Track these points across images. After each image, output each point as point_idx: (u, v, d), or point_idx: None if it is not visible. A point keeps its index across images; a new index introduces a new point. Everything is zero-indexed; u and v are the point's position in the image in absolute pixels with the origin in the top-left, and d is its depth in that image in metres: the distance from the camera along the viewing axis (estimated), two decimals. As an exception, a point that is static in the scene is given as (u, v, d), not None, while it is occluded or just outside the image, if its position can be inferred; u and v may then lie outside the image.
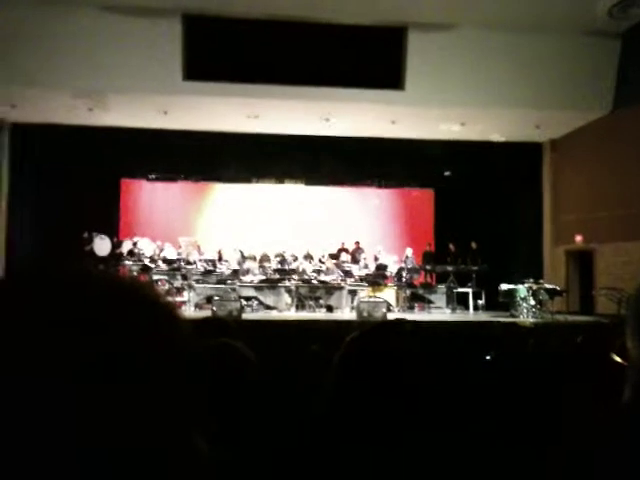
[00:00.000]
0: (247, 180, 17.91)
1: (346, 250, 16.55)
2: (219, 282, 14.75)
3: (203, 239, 16.89)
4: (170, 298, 13.30)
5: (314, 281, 15.04)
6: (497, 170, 16.44)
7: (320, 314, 14.11)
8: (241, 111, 14.07)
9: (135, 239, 16.04)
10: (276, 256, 15.89)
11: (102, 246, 15.43)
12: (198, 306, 14.39)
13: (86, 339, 0.52)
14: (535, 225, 16.75)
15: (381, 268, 15.46)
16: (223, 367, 1.52)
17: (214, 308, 12.45)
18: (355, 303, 13.92)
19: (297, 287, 14.88)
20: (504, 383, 2.36)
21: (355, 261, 16.04)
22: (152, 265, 15.29)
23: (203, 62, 12.87)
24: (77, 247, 14.89)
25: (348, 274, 15.27)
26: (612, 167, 14.07)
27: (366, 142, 15.91)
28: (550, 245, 16.42)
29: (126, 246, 15.82)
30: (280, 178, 18.05)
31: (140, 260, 15.45)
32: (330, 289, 14.91)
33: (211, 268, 15.19)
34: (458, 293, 15.60)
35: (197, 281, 14.84)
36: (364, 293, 14.76)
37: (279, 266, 15.37)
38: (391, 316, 13.01)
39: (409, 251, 16.22)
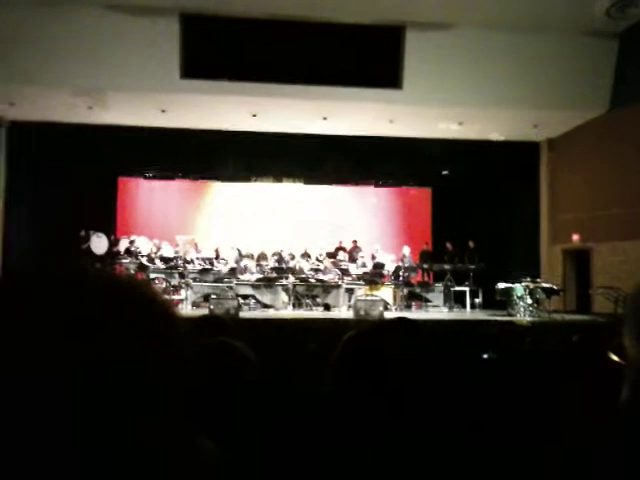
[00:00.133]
0: (245, 179, 17.90)
1: (344, 249, 16.55)
2: (216, 280, 14.75)
3: (201, 237, 16.88)
4: (167, 296, 13.29)
5: (311, 280, 15.04)
6: (494, 169, 16.46)
7: (317, 313, 14.11)
8: (239, 109, 14.06)
9: (132, 237, 16.04)
10: (273, 254, 15.89)
11: (99, 244, 15.42)
12: (195, 304, 14.39)
13: (83, 338, 0.52)
14: (532, 224, 16.77)
15: (378, 267, 15.47)
16: (222, 366, 1.52)
17: (211, 306, 12.45)
18: (352, 302, 13.92)
19: (294, 285, 14.88)
20: (501, 382, 2.36)
21: (352, 260, 16.04)
22: (149, 263, 15.28)
23: (201, 60, 12.86)
24: (74, 245, 14.88)
25: (345, 273, 15.28)
26: (609, 166, 14.10)
27: (364, 141, 15.91)
28: (547, 244, 16.44)
29: (123, 244, 15.82)
30: (278, 177, 18.06)
31: (137, 258, 15.44)
32: (327, 288, 14.91)
33: (208, 266, 15.19)
34: (455, 292, 15.63)
35: (194, 279, 14.83)
36: (361, 292, 14.76)
37: (276, 264, 15.36)
38: (388, 315, 13.03)
39: (406, 250, 16.23)
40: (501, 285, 14.21)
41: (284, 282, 14.88)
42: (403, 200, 18.64)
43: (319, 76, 13.06)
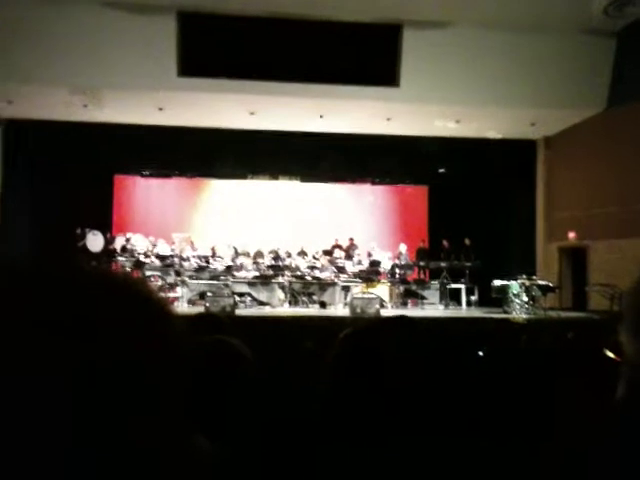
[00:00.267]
0: (242, 176, 17.90)
1: (340, 246, 16.55)
2: (212, 278, 14.74)
3: (197, 235, 16.87)
4: (163, 294, 13.28)
5: (308, 277, 15.04)
6: (491, 167, 16.47)
7: (313, 310, 14.11)
8: (237, 107, 14.05)
9: (128, 235, 16.01)
10: (270, 252, 15.89)
11: (95, 242, 15.39)
12: (191, 302, 14.37)
13: (78, 337, 0.52)
14: (528, 222, 16.80)
15: (375, 264, 15.48)
16: (218, 364, 1.52)
17: (207, 304, 12.44)
18: (348, 299, 13.92)
19: (290, 283, 14.89)
20: (497, 379, 2.37)
21: (349, 257, 16.05)
22: (145, 261, 15.26)
23: (198, 58, 12.85)
24: (70, 243, 14.86)
25: (342, 270, 15.29)
26: (606, 164, 14.13)
27: (361, 139, 15.90)
28: (543, 242, 16.48)
29: (119, 242, 15.79)
30: (275, 174, 18.06)
31: (133, 256, 15.42)
32: (323, 285, 14.92)
33: (204, 264, 15.18)
34: (451, 289, 15.65)
35: (190, 277, 14.82)
36: (357, 289, 14.77)
37: (273, 262, 15.36)
38: (385, 312, 13.04)
39: (403, 247, 16.24)
40: (497, 282, 14.24)
41: (280, 280, 14.88)
42: (400, 198, 18.65)
43: (316, 74, 13.05)
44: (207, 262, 15.28)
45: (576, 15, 12.55)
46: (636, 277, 0.98)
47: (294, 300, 14.80)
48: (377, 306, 12.78)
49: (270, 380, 2.32)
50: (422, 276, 16.48)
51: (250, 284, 14.67)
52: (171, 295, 14.36)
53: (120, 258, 15.37)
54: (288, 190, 18.16)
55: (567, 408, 1.75)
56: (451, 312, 14.54)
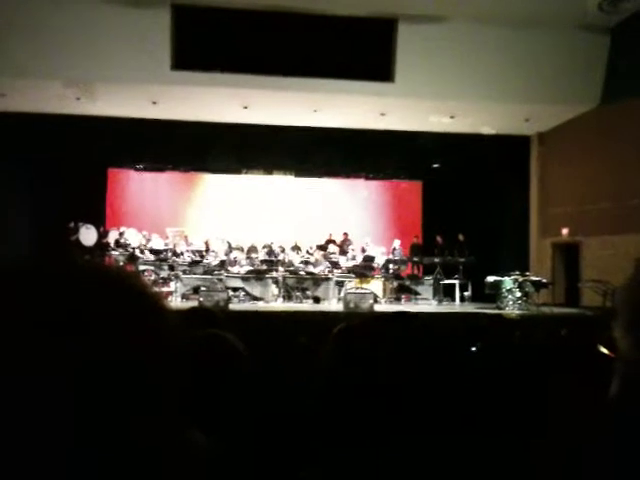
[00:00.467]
0: (236, 171, 17.87)
1: (334, 241, 16.56)
2: (206, 273, 14.73)
3: (191, 230, 16.85)
4: (156, 289, 13.27)
5: (301, 272, 15.05)
6: (485, 163, 16.49)
7: (307, 305, 14.12)
8: (230, 101, 14.01)
9: (122, 229, 15.97)
10: (264, 247, 15.88)
11: (88, 236, 15.35)
12: (185, 297, 14.36)
13: (72, 333, 0.51)
14: (522, 218, 16.84)
15: (368, 259, 15.49)
16: (212, 358, 1.51)
17: (201, 299, 12.43)
18: (342, 294, 13.94)
19: (284, 278, 14.89)
20: (490, 375, 2.37)
21: (343, 252, 16.05)
22: (139, 255, 15.23)
23: (192, 52, 12.80)
24: (63, 236, 14.81)
25: (335, 265, 15.29)
26: (599, 160, 14.16)
27: (355, 134, 15.88)
28: (537, 237, 16.52)
29: (112, 236, 15.75)
30: (269, 169, 18.04)
31: (126, 250, 15.38)
32: (317, 280, 14.93)
33: (198, 259, 15.16)
34: (445, 285, 15.69)
35: (184, 272, 14.80)
36: (351, 284, 14.79)
37: (266, 257, 15.35)
38: (378, 307, 13.07)
39: (397, 243, 16.27)
40: (490, 278, 14.27)
41: (274, 275, 14.88)
42: (394, 193, 18.67)
43: (311, 68, 13.03)
44: (201, 257, 15.26)
45: (571, 11, 12.56)
46: (629, 273, 0.98)
47: (288, 295, 14.80)
48: (371, 301, 12.79)
49: (264, 375, 2.31)
50: (416, 271, 16.50)
51: (244, 279, 14.66)
52: (165, 289, 14.34)
53: (113, 252, 15.34)
54: (282, 185, 18.15)
55: (561, 404, 1.76)
56: (444, 307, 14.56)
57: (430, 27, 13.06)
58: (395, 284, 15.69)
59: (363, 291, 13.62)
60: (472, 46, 13.13)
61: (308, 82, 13.12)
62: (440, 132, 15.74)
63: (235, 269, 14.92)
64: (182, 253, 15.42)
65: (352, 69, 13.16)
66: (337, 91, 13.31)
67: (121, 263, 14.54)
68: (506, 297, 13.76)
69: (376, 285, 15.05)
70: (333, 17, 12.90)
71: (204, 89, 13.25)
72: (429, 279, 15.67)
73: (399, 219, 18.30)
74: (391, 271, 15.61)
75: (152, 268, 14.92)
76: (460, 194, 16.72)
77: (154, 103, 14.06)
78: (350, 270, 15.27)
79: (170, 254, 15.34)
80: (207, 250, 15.62)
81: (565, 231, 15.42)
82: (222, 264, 15.00)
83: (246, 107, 14.34)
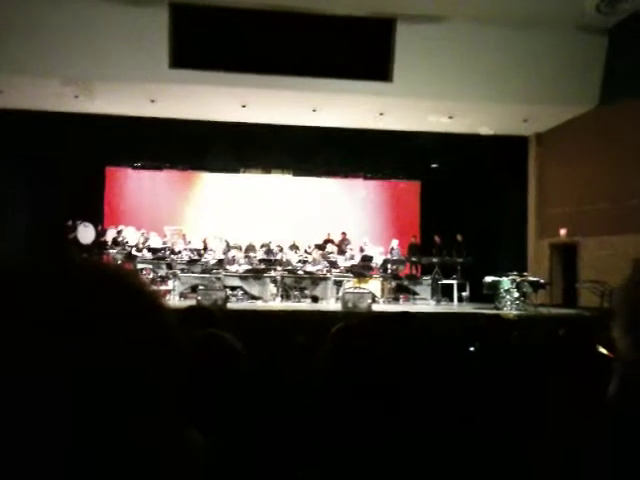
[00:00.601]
0: (234, 170, 17.86)
1: (332, 241, 16.56)
2: (204, 271, 14.72)
3: (189, 228, 16.84)
4: (155, 287, 13.26)
5: (300, 271, 15.04)
6: (483, 163, 16.50)
7: (305, 305, 14.12)
8: (229, 100, 14.01)
9: (120, 227, 15.96)
10: (262, 246, 15.88)
11: (86, 234, 15.34)
12: (183, 295, 14.35)
13: (70, 332, 0.51)
14: (520, 218, 16.86)
15: (367, 259, 15.50)
16: (210, 357, 1.51)
17: (199, 297, 12.43)
18: (340, 294, 13.94)
19: (282, 277, 14.88)
20: (488, 375, 2.37)
21: (341, 252, 16.05)
22: (137, 254, 15.22)
23: (190, 50, 12.79)
24: (61, 235, 14.79)
25: (334, 265, 15.29)
26: (597, 161, 14.18)
27: (354, 133, 15.89)
28: (535, 238, 16.54)
29: (110, 234, 15.74)
30: (267, 168, 18.03)
31: (124, 249, 15.37)
32: (315, 280, 14.92)
33: (196, 257, 15.15)
34: (443, 285, 15.69)
35: (182, 270, 14.79)
36: (349, 284, 14.79)
37: (265, 256, 15.35)
38: (376, 307, 13.07)
39: (395, 243, 16.27)
40: (488, 279, 14.27)
41: (272, 274, 14.87)
42: (392, 193, 18.67)
43: (309, 68, 13.02)
44: (199, 255, 15.25)
45: (569, 12, 12.58)
46: (627, 274, 0.98)
47: (286, 294, 14.80)
48: (369, 301, 12.79)
49: (262, 374, 2.31)
50: (414, 271, 16.50)
51: (242, 278, 14.65)
52: (163, 288, 14.34)
53: (111, 250, 15.32)
54: (280, 184, 18.14)
55: (559, 405, 1.76)
56: (443, 308, 14.57)
57: (429, 27, 13.07)
58: (393, 284, 15.69)
59: (361, 291, 13.62)
60: (471, 46, 13.14)
61: (306, 81, 13.12)
62: (439, 132, 15.75)
63: (233, 268, 14.91)
64: (180, 252, 15.42)
65: (351, 69, 13.16)
66: (336, 91, 13.31)
67: (119, 261, 14.53)
68: (504, 297, 13.76)
69: (374, 285, 15.05)
70: (332, 17, 12.89)
71: (202, 87, 13.24)
72: (427, 279, 15.67)
73: (397, 219, 18.31)
74: (389, 271, 15.62)
75: (150, 266, 14.91)
76: (458, 194, 16.73)
77: (152, 101, 14.05)
78: (348, 270, 15.27)
79: (168, 253, 15.33)
80: (205, 249, 15.62)
81: (563, 231, 15.44)
82: (220, 263, 14.99)
83: (244, 106, 14.34)
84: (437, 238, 16.31)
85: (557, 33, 13.20)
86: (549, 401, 1.81)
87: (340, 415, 1.28)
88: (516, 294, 13.68)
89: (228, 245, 15.82)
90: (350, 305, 12.57)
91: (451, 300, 15.65)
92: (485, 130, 15.59)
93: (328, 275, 14.97)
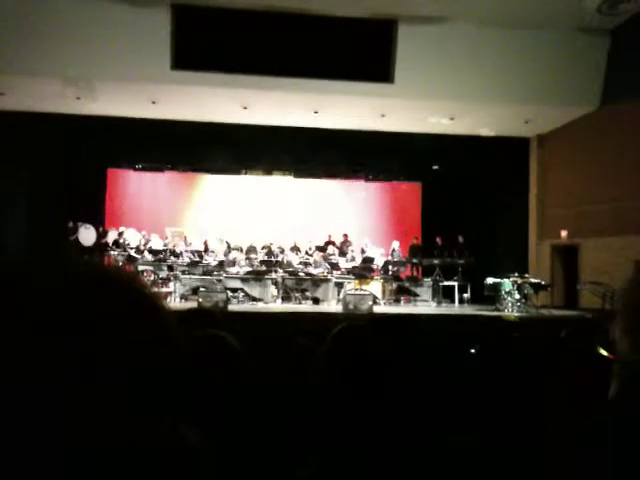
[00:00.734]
0: (235, 171, 17.87)
1: (333, 243, 16.56)
2: (205, 273, 14.72)
3: (190, 230, 16.84)
4: (155, 289, 13.26)
5: (300, 273, 15.04)
6: (484, 164, 16.50)
7: (306, 306, 14.11)
8: (230, 102, 14.02)
9: (121, 229, 15.97)
10: (263, 248, 15.87)
11: (87, 236, 15.35)
12: (184, 297, 14.35)
13: (71, 334, 0.51)
14: (521, 219, 16.84)
15: (368, 261, 15.49)
16: (210, 359, 1.51)
17: (200, 299, 12.42)
18: (341, 295, 13.93)
19: (283, 279, 14.88)
20: (489, 377, 2.37)
21: (342, 253, 16.04)
22: (138, 255, 15.23)
23: (192, 52, 12.80)
24: (62, 236, 14.81)
25: (335, 267, 15.28)
26: (598, 162, 14.17)
27: (355, 135, 15.90)
28: (536, 239, 16.53)
29: (112, 236, 15.74)
30: (268, 170, 18.03)
31: (126, 250, 15.38)
32: (316, 281, 14.91)
33: (197, 259, 15.15)
34: (444, 286, 15.67)
35: (183, 272, 14.79)
36: (350, 286, 14.78)
37: (266, 258, 15.35)
38: (377, 309, 13.06)
39: (396, 244, 16.26)
40: (489, 280, 14.27)
41: (273, 275, 14.87)
42: (393, 194, 18.66)
43: (311, 69, 13.03)
44: (200, 257, 15.25)
45: (570, 13, 12.57)
46: (628, 275, 0.98)
47: (287, 296, 14.80)
48: (370, 302, 12.79)
49: (262, 376, 2.31)
50: (415, 273, 16.50)
51: (243, 280, 14.65)
52: (164, 290, 14.34)
53: (112, 252, 15.33)
54: (281, 185, 18.14)
55: (559, 406, 1.76)
56: (444, 309, 14.56)
57: (430, 28, 13.07)
58: (394, 285, 15.68)
59: (362, 292, 13.61)
60: (472, 47, 13.14)
61: (308, 83, 13.12)
62: (440, 133, 15.75)
63: (234, 270, 14.91)
64: (181, 253, 15.42)
65: (352, 70, 13.17)
66: (337, 92, 13.31)
67: (120, 263, 14.54)
68: (505, 299, 13.75)
69: (375, 286, 15.04)
70: (333, 18, 12.90)
71: (204, 89, 13.25)
72: (428, 281, 15.66)
73: (398, 220, 18.30)
74: (390, 272, 15.61)
75: (151, 268, 14.92)
76: (459, 196, 16.73)
77: (154, 103, 14.06)
78: (349, 271, 15.26)
79: (169, 254, 15.34)
80: (206, 250, 15.62)
81: (564, 233, 15.43)
82: (221, 265, 14.99)
83: (246, 107, 14.34)
84: (438, 239, 16.30)
85: (559, 34, 13.20)
86: (549, 403, 1.81)
87: (339, 415, 1.28)
88: (517, 295, 13.67)
89: (229, 247, 15.82)
90: (351, 307, 12.57)
91: (452, 302, 15.63)
92: (486, 131, 15.59)
93: (329, 277, 14.96)
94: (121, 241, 15.64)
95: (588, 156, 14.54)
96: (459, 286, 15.66)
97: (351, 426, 1.25)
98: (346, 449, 1.20)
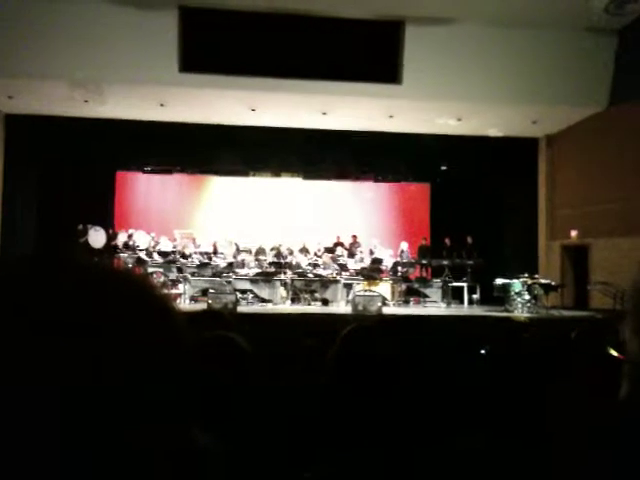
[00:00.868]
0: (244, 173, 17.89)
1: (342, 244, 16.56)
2: (214, 275, 14.74)
3: (199, 232, 16.88)
4: (165, 290, 13.29)
5: (309, 275, 15.04)
6: (493, 165, 16.46)
7: (315, 308, 14.11)
8: (238, 104, 14.04)
9: (130, 231, 16.03)
10: (272, 249, 15.89)
11: (97, 238, 15.42)
12: (193, 299, 14.39)
13: (79, 334, 0.51)
14: (531, 220, 16.78)
15: (376, 262, 15.47)
16: (220, 360, 1.52)
17: (209, 301, 12.44)
18: (350, 297, 13.92)
19: (292, 280, 14.88)
20: (498, 378, 2.37)
21: (351, 255, 16.04)
22: (147, 258, 15.28)
23: (200, 54, 12.83)
24: (72, 239, 14.88)
25: (344, 268, 15.28)
26: (607, 162, 14.10)
27: (363, 136, 15.89)
28: (545, 240, 16.46)
29: (121, 238, 15.81)
30: (277, 171, 18.05)
31: (135, 252, 15.43)
32: (325, 283, 14.91)
33: (206, 261, 15.18)
34: (453, 287, 15.62)
35: (192, 274, 14.83)
36: (359, 287, 14.76)
37: (274, 259, 15.36)
38: (386, 310, 13.04)
39: (404, 245, 16.23)
40: (499, 281, 14.21)
41: (282, 277, 14.88)
42: (402, 195, 18.64)
43: (319, 71, 13.04)
44: (209, 259, 15.29)
45: (577, 13, 12.52)
46: (638, 275, 0.98)
47: (296, 297, 14.80)
48: (379, 304, 12.77)
49: (271, 376, 2.31)
50: (424, 274, 16.46)
51: (252, 281, 14.67)
52: (173, 292, 14.38)
53: (122, 254, 15.39)
54: (290, 187, 18.15)
55: (569, 407, 1.75)
56: (453, 310, 14.52)
57: (438, 29, 13.05)
58: (403, 287, 15.65)
59: (371, 294, 13.60)
60: (479, 48, 13.11)
61: (316, 84, 13.13)
62: (448, 134, 15.72)
63: (243, 271, 14.93)
64: (190, 255, 15.46)
65: (360, 71, 13.17)
66: (345, 93, 13.31)
67: (130, 265, 14.59)
68: (515, 300, 13.69)
69: (384, 288, 15.02)
70: (340, 19, 12.90)
71: (212, 91, 13.28)
72: (437, 282, 15.63)
73: (407, 221, 18.28)
74: (399, 273, 15.58)
75: (161, 270, 14.96)
76: (468, 196, 16.69)
77: (162, 105, 14.10)
78: (358, 272, 15.25)
79: (178, 256, 15.38)
80: (215, 252, 15.66)
81: (574, 233, 15.36)
82: (230, 266, 15.02)
83: (254, 109, 14.37)
84: (447, 240, 16.26)
85: (566, 34, 13.15)
86: (559, 404, 1.80)
87: (348, 416, 1.28)
88: (527, 296, 13.60)
89: (238, 248, 15.85)
90: (360, 308, 12.56)
91: (461, 303, 15.59)
92: (494, 132, 15.55)
93: (338, 278, 14.95)
94: (131, 243, 15.70)
95: (597, 156, 14.47)
96: (468, 287, 15.62)
97: (360, 427, 1.25)
98: (355, 450, 1.20)
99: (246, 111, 14.46)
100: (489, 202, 16.86)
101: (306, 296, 14.80)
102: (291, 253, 15.79)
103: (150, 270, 14.76)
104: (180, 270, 15.01)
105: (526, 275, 13.93)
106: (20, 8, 11.91)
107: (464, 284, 15.62)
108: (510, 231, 17.11)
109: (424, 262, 16.32)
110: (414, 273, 16.22)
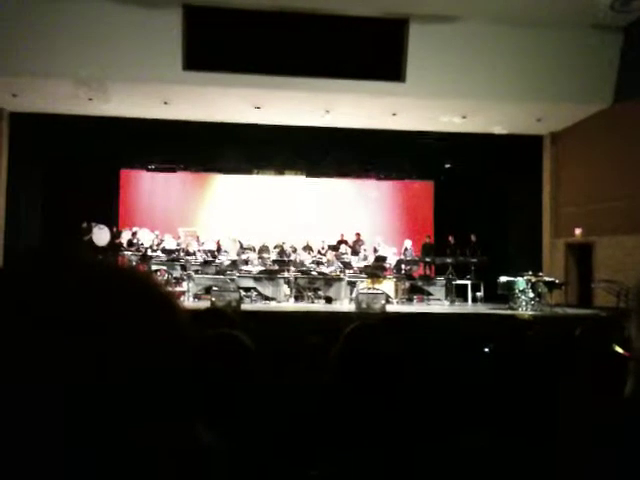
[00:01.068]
0: (247, 171, 17.90)
1: (345, 242, 16.56)
2: (218, 273, 14.75)
3: (202, 230, 16.90)
4: (169, 288, 13.31)
5: (313, 272, 15.04)
6: (497, 162, 16.43)
7: (319, 305, 14.12)
8: (242, 102, 14.04)
9: (134, 229, 16.07)
10: (275, 247, 15.90)
11: (101, 236, 15.45)
12: (197, 297, 14.40)
13: (84, 331, 0.51)
14: (535, 218, 16.75)
15: (380, 260, 15.46)
16: (223, 357, 1.52)
17: (213, 299, 12.45)
18: (354, 294, 13.92)
19: (296, 278, 14.89)
20: (502, 376, 2.36)
21: (355, 252, 16.04)
22: (151, 255, 15.31)
23: (204, 52, 12.83)
24: (76, 237, 14.91)
25: (347, 266, 15.28)
26: (612, 160, 14.06)
27: (367, 134, 15.88)
28: (549, 238, 16.43)
29: (125, 236, 15.84)
30: (280, 169, 18.05)
31: (139, 250, 15.46)
32: (329, 280, 14.92)
33: (210, 259, 15.20)
34: (457, 285, 15.62)
35: (196, 271, 14.84)
36: (363, 285, 14.76)
37: (278, 257, 15.37)
38: (390, 308, 13.04)
39: (408, 243, 16.23)
40: (503, 279, 14.19)
41: (286, 275, 14.89)
42: (405, 193, 18.63)
43: (322, 69, 13.03)
44: (213, 256, 15.30)
45: (583, 10, 12.48)
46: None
47: (300, 295, 14.81)
48: (383, 302, 12.77)
49: (275, 374, 2.32)
50: (428, 272, 16.45)
51: (256, 279, 14.68)
52: (177, 289, 14.39)
53: (126, 252, 15.42)
54: (294, 185, 18.16)
55: (574, 405, 1.75)
56: (457, 308, 14.51)
57: (441, 27, 13.02)
58: (407, 284, 15.64)
59: (375, 291, 13.59)
60: (483, 45, 13.08)
61: (319, 82, 13.12)
62: (452, 132, 15.70)
63: (247, 269, 14.95)
64: (194, 253, 15.48)
65: (364, 69, 13.15)
66: (348, 91, 13.30)
67: (134, 263, 14.61)
68: (519, 298, 13.67)
69: (388, 285, 15.01)
70: (344, 17, 12.88)
71: (215, 89, 13.28)
72: (441, 279, 15.62)
73: (411, 219, 18.27)
74: (403, 271, 15.58)
75: (164, 268, 14.98)
76: (472, 194, 16.67)
77: (166, 103, 14.11)
78: (362, 270, 15.25)
79: (182, 254, 15.40)
80: (219, 250, 15.67)
81: (578, 231, 15.32)
82: (234, 264, 15.03)
83: (258, 107, 14.36)
84: (451, 238, 16.26)
85: (571, 32, 13.11)
86: (563, 401, 1.80)
87: (352, 414, 1.28)
88: (531, 294, 13.58)
89: (242, 246, 15.87)
90: (364, 306, 12.55)
91: (465, 300, 15.59)
92: (499, 129, 15.51)
93: (342, 276, 14.95)
94: (135, 241, 15.73)
95: (602, 154, 14.43)
96: (472, 285, 15.61)
97: (363, 425, 1.25)
98: (358, 447, 1.20)
99: (250, 109, 14.46)
100: (493, 200, 16.83)
101: (309, 294, 14.81)
102: (295, 251, 15.79)
103: (154, 268, 14.78)
104: (184, 268, 15.03)
105: (530, 273, 13.91)
106: (24, 6, 11.93)
107: (468, 282, 15.62)
108: (514, 229, 17.08)
109: (428, 260, 16.32)
110: (418, 271, 16.22)
